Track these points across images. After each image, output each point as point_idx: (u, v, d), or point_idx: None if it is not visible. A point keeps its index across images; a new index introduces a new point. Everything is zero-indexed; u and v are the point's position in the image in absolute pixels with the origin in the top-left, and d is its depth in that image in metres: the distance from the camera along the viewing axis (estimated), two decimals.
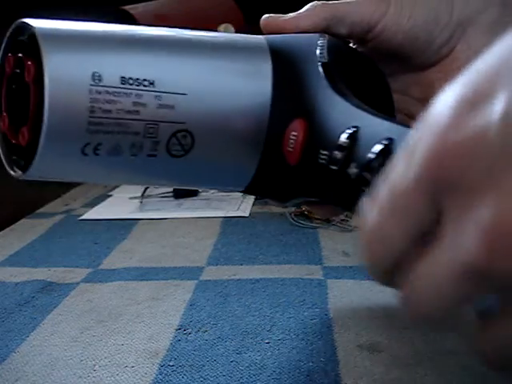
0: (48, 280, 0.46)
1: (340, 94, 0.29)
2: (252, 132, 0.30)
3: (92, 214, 0.66)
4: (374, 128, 0.27)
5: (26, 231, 0.60)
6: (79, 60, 0.26)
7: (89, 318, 0.39)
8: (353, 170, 0.27)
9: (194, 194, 0.70)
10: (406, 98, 0.38)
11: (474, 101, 0.17)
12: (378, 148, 0.26)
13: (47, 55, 0.25)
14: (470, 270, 0.17)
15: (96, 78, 0.25)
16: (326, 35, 0.32)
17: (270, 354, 0.33)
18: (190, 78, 0.28)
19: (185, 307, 0.40)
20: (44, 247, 0.54)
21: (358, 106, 0.29)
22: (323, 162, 0.29)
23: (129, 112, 0.26)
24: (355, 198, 0.27)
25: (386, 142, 0.26)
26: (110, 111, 0.26)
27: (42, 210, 0.70)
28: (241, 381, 0.31)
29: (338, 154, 0.28)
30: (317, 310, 0.39)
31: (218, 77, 0.29)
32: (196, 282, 0.44)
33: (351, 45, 0.37)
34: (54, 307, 0.41)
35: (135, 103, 0.26)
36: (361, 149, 0.27)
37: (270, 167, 0.31)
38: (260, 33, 0.35)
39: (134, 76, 0.26)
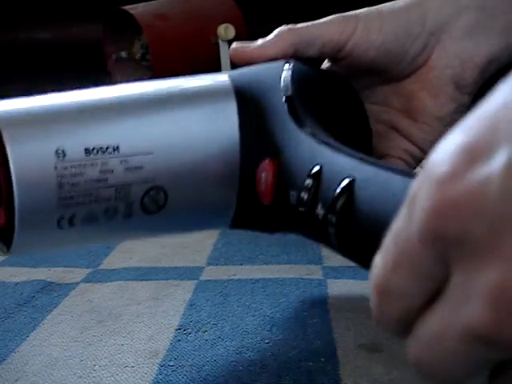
0: (48, 280, 0.46)
1: (304, 130, 0.29)
2: (224, 176, 0.30)
3: None
4: (337, 166, 0.26)
5: None
6: (41, 140, 0.26)
7: (89, 318, 0.39)
8: (320, 211, 0.27)
9: None
10: (387, 109, 0.38)
11: (476, 151, 0.16)
12: (338, 188, 0.25)
13: (10, 142, 0.26)
14: (475, 334, 0.16)
15: (60, 154, 0.26)
16: (292, 62, 0.32)
17: (269, 354, 0.33)
18: (154, 136, 0.28)
19: (185, 307, 0.40)
20: None
21: (322, 142, 0.28)
22: (293, 202, 0.28)
23: (97, 181, 0.27)
24: (329, 237, 0.27)
25: (346, 182, 0.25)
26: (78, 184, 0.26)
27: None
28: (241, 381, 0.31)
29: (304, 195, 0.28)
30: (317, 310, 0.39)
31: (182, 129, 0.29)
32: (196, 282, 0.44)
33: (325, 62, 0.37)
34: (54, 307, 0.41)
35: (102, 171, 0.27)
36: (325, 189, 0.26)
37: (248, 206, 0.31)
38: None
39: (98, 145, 0.27)
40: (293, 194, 0.28)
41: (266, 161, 0.29)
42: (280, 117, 0.30)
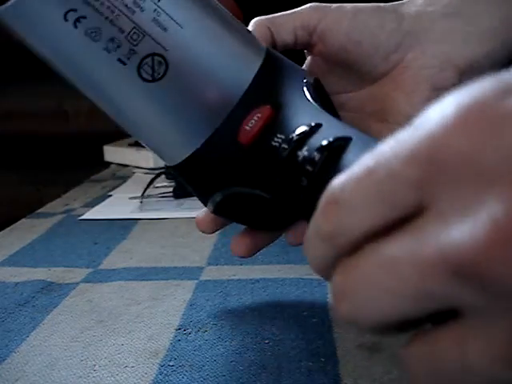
0: (48, 280, 0.46)
1: (313, 97, 0.30)
2: (217, 102, 0.30)
3: (92, 213, 0.66)
4: (336, 127, 0.27)
5: (26, 231, 0.60)
6: None
7: (89, 317, 0.39)
8: (303, 152, 0.27)
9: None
10: (360, 115, 0.38)
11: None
12: (335, 137, 0.26)
13: None
14: (453, 263, 0.15)
15: None
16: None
17: (269, 354, 0.33)
18: (195, 20, 0.29)
19: (185, 307, 0.40)
20: (44, 247, 0.54)
21: (326, 111, 0.29)
22: (276, 144, 0.29)
23: (126, 6, 0.26)
24: (294, 181, 0.27)
25: (344, 136, 0.26)
26: None
27: (41, 209, 0.70)
28: (241, 381, 0.31)
29: (293, 136, 0.28)
30: (317, 309, 0.38)
31: (216, 38, 0.29)
32: (196, 281, 0.44)
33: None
34: (54, 307, 0.41)
35: (136, 3, 0.27)
36: (317, 137, 0.27)
37: (221, 141, 0.30)
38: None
39: None
40: (280, 136, 0.29)
41: (266, 107, 0.30)
42: (296, 91, 0.31)
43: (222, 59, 0.29)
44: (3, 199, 1.44)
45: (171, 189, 0.71)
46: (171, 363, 0.33)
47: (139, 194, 0.71)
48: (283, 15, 0.36)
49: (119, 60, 0.27)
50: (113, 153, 0.99)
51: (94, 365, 0.33)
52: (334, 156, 0.26)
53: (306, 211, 0.25)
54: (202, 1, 0.30)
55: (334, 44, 0.35)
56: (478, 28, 0.35)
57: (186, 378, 0.31)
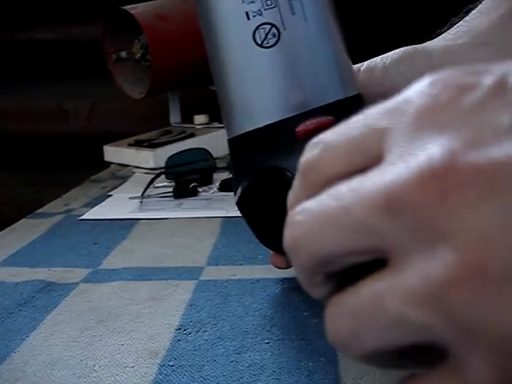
0: (48, 280, 0.46)
1: None
2: (299, 98, 0.32)
3: (92, 213, 0.66)
4: None
5: (26, 231, 0.60)
6: None
7: (89, 318, 0.39)
8: None
9: (194, 194, 0.70)
10: None
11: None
12: None
13: None
14: (435, 293, 0.15)
15: None
16: None
17: (270, 354, 0.33)
18: (320, 21, 0.32)
19: (185, 307, 0.40)
20: (44, 247, 0.54)
21: None
22: None
23: None
24: None
25: None
26: None
27: (41, 209, 0.70)
28: (241, 381, 0.31)
29: None
30: (317, 309, 0.38)
31: (330, 46, 0.33)
32: (196, 282, 0.44)
33: None
34: (54, 307, 0.41)
35: None
36: None
37: (282, 129, 0.32)
38: None
39: None
40: None
41: (332, 117, 0.32)
42: None
43: (327, 65, 0.32)
44: (3, 199, 1.44)
45: (171, 189, 0.71)
46: (171, 363, 0.33)
47: (139, 194, 0.71)
48: None
49: (246, 13, 0.30)
50: (113, 153, 0.99)
51: (94, 365, 0.33)
52: None
53: None
54: (332, 11, 0.32)
55: (371, 95, 0.35)
56: (506, 56, 0.36)
57: (185, 378, 0.31)
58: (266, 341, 0.35)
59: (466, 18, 0.38)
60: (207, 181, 0.75)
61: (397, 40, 0.41)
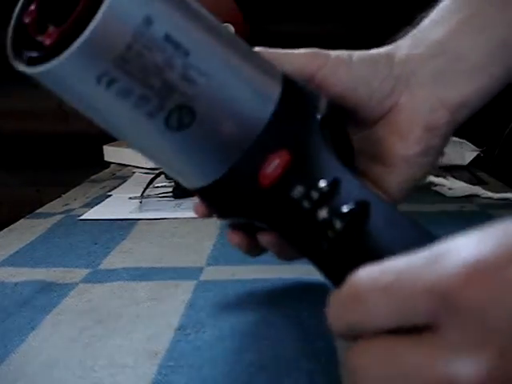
0: (47, 280, 0.46)
1: (329, 147, 0.31)
2: (237, 140, 0.30)
3: (91, 214, 0.66)
4: (354, 187, 0.30)
5: (26, 231, 0.60)
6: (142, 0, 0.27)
7: (88, 318, 0.39)
8: (323, 213, 0.29)
9: (193, 194, 0.70)
10: (361, 159, 0.38)
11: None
12: (355, 202, 0.29)
13: None
14: None
15: (147, 21, 0.26)
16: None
17: (270, 354, 0.33)
18: (220, 67, 0.29)
19: (184, 307, 0.40)
20: (43, 247, 0.54)
21: (342, 163, 0.31)
22: (295, 196, 0.30)
23: (156, 66, 0.27)
24: (313, 240, 0.30)
25: (363, 201, 0.29)
26: (142, 56, 0.26)
27: (41, 209, 0.70)
28: (240, 381, 0.31)
29: (314, 194, 0.30)
30: (317, 310, 0.38)
31: (239, 81, 0.30)
32: (195, 282, 0.44)
33: None
34: (54, 307, 0.41)
35: (166, 62, 0.27)
36: (337, 198, 0.29)
37: (241, 176, 0.31)
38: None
39: (177, 39, 0.27)
40: (300, 189, 0.30)
41: (285, 151, 0.30)
42: (311, 127, 0.31)
43: (245, 100, 0.30)
44: (3, 199, 1.44)
45: (171, 189, 0.71)
46: (170, 363, 0.33)
47: (139, 194, 0.71)
48: (281, 54, 0.36)
49: (148, 114, 0.28)
50: (113, 153, 0.99)
51: (94, 365, 0.33)
52: (354, 223, 0.28)
53: (326, 269, 0.30)
54: (225, 42, 0.30)
55: (330, 92, 0.35)
56: (464, 65, 0.36)
57: (185, 378, 0.31)
58: (266, 341, 0.35)
59: (420, 27, 0.38)
60: None
61: (370, 39, 0.40)
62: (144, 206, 0.68)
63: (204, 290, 0.43)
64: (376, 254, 0.28)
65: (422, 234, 0.28)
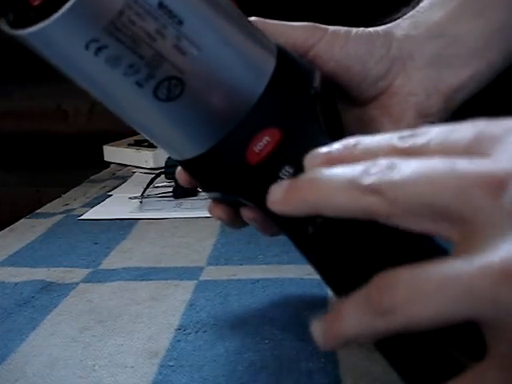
0: (47, 280, 0.46)
1: (321, 126, 0.31)
2: (228, 113, 0.30)
3: (92, 213, 0.66)
4: None
5: (26, 231, 0.60)
6: None
7: (88, 318, 0.39)
8: None
9: (193, 194, 0.70)
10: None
11: None
12: None
13: None
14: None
15: None
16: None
17: (270, 354, 0.33)
18: (213, 41, 0.28)
19: (185, 307, 0.40)
20: (43, 247, 0.54)
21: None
22: (283, 176, 0.29)
23: (148, 35, 0.26)
24: (299, 224, 0.29)
25: None
26: (134, 23, 0.26)
27: (41, 209, 0.70)
28: (241, 381, 0.31)
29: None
30: (317, 310, 0.38)
31: (232, 54, 0.29)
32: (196, 282, 0.44)
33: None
34: (54, 307, 0.41)
35: (158, 31, 0.26)
36: None
37: (228, 152, 0.30)
38: None
39: (171, 7, 0.26)
40: (289, 169, 0.30)
41: (275, 129, 0.30)
42: (302, 104, 0.31)
43: (238, 74, 0.30)
44: (3, 199, 1.44)
45: (171, 189, 0.71)
46: (171, 363, 0.33)
47: (139, 194, 0.71)
48: (278, 25, 0.35)
49: (137, 83, 0.27)
50: (113, 153, 0.99)
51: (94, 365, 0.33)
52: None
53: (309, 253, 0.30)
54: (221, 12, 0.29)
55: (324, 68, 0.35)
56: (462, 49, 0.35)
57: (185, 378, 0.31)
58: (266, 341, 0.35)
59: (419, 8, 0.37)
60: None
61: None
62: (144, 206, 0.68)
63: (204, 289, 0.43)
64: (364, 241, 0.27)
65: None
